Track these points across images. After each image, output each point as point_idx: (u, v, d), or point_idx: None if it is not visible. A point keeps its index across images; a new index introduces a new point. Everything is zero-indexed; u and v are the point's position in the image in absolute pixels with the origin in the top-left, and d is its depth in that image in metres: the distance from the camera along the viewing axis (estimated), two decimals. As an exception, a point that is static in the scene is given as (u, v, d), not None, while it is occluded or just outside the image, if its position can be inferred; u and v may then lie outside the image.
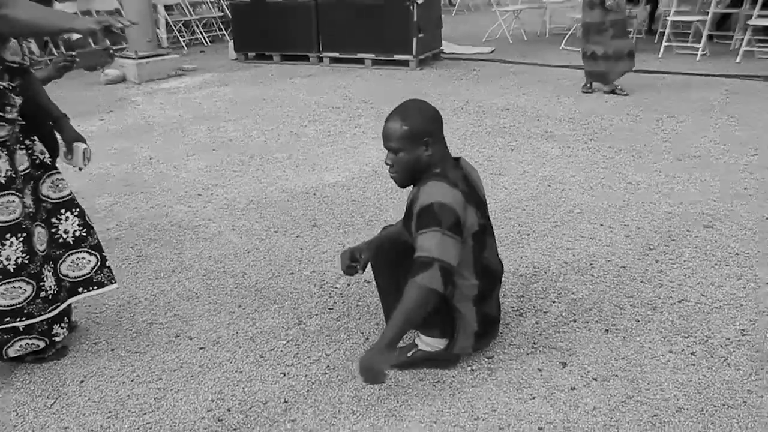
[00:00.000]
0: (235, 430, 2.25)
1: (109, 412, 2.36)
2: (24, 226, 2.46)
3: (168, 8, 10.70)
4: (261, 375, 2.53)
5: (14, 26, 2.30)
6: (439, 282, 2.20)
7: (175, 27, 10.47)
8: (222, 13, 11.34)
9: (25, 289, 2.47)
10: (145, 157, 5.28)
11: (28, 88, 2.60)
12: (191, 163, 5.08)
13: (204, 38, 10.81)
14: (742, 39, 8.10)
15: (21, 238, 2.44)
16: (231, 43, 9.37)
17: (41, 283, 2.52)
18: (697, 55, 8.20)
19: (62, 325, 2.65)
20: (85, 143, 2.77)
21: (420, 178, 2.39)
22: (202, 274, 3.36)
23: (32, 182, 2.58)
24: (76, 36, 3.09)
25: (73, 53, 2.92)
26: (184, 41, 10.45)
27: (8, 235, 2.41)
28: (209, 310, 3.02)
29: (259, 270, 3.38)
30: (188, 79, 8.12)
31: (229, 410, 2.35)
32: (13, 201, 2.42)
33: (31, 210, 2.54)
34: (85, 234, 2.69)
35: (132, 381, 2.53)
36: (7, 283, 2.44)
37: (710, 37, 8.71)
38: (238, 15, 9.06)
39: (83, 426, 2.30)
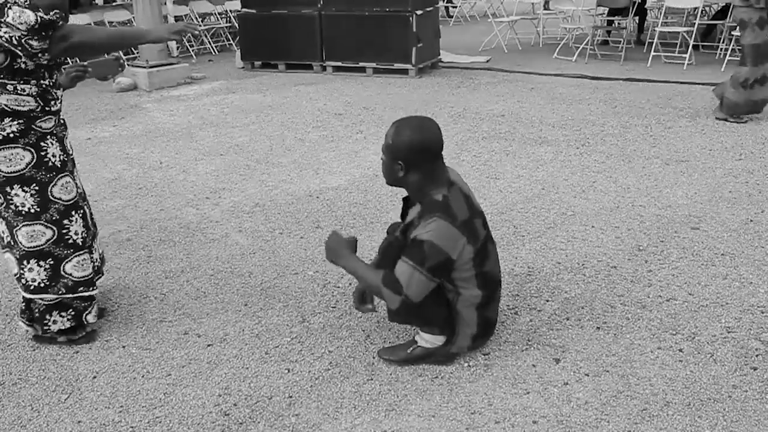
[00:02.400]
0: (241, 424, 2.29)
1: (121, 406, 2.41)
2: (80, 204, 2.78)
3: (178, 19, 10.74)
4: (266, 371, 2.58)
5: (86, 50, 2.69)
6: (394, 305, 2.38)
7: (185, 37, 10.56)
8: (229, 24, 11.43)
9: (89, 262, 2.79)
10: (155, 162, 5.32)
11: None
12: (200, 168, 5.13)
13: (212, 47, 10.89)
14: (727, 49, 8.21)
15: (80, 214, 2.76)
16: (238, 53, 9.42)
17: (92, 255, 2.86)
18: (684, 64, 8.29)
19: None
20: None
21: (419, 197, 2.44)
22: (210, 274, 3.40)
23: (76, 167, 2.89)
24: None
25: (85, 63, 2.92)
26: (193, 50, 10.54)
27: (73, 212, 2.72)
28: (217, 309, 3.07)
29: (264, 270, 3.43)
30: (197, 87, 8.16)
31: (235, 405, 2.39)
32: (70, 182, 2.71)
33: (82, 190, 2.84)
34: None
35: (142, 377, 2.57)
36: (78, 256, 2.72)
37: (696, 48, 8.80)
38: (245, 25, 9.14)
39: (95, 420, 2.34)
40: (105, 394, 2.48)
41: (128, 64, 8.24)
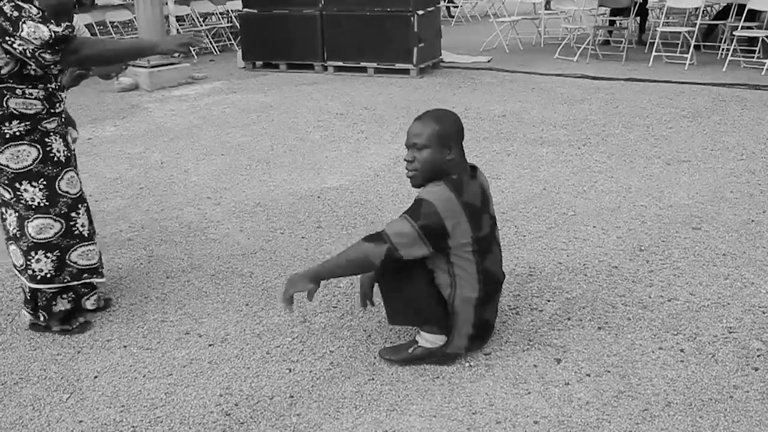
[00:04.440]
0: (242, 423, 2.29)
1: (122, 406, 2.41)
2: (84, 198, 2.89)
3: (179, 19, 10.82)
4: (267, 371, 2.58)
5: (96, 62, 2.83)
6: (379, 258, 2.35)
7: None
8: (231, 24, 11.45)
9: (96, 252, 2.90)
10: (156, 162, 5.33)
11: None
12: (201, 168, 5.14)
13: (214, 47, 10.90)
14: (728, 49, 8.22)
15: (85, 206, 2.87)
16: (239, 52, 9.43)
17: (97, 247, 2.95)
18: (685, 64, 8.29)
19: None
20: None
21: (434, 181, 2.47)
22: (211, 274, 3.41)
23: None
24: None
25: None
26: (194, 50, 10.57)
27: (79, 205, 2.83)
28: (218, 309, 3.07)
29: (265, 270, 3.44)
30: (198, 87, 8.17)
31: (236, 405, 2.39)
32: (74, 176, 2.80)
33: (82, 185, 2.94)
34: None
35: (144, 376, 2.58)
36: (84, 246, 2.82)
37: (697, 48, 8.80)
38: (246, 25, 9.15)
39: (97, 420, 2.34)
40: (106, 394, 2.49)
41: (130, 64, 8.25)
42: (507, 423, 2.26)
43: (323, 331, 2.85)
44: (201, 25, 10.96)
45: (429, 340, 2.56)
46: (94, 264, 2.89)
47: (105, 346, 2.80)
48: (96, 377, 2.59)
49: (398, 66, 8.31)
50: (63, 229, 2.77)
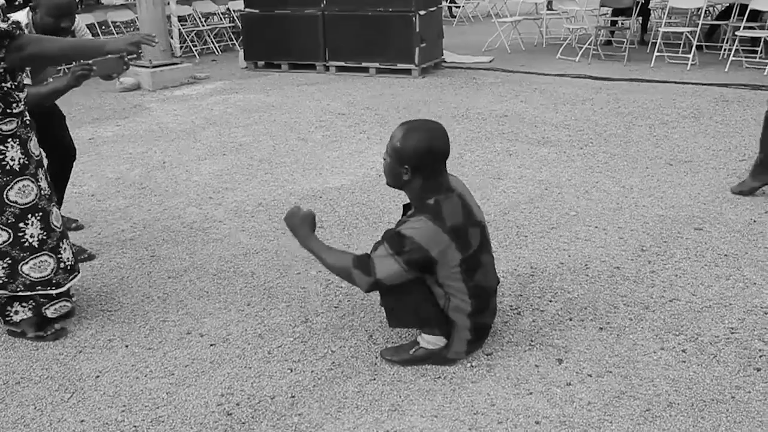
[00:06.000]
0: (243, 423, 2.30)
1: (124, 406, 2.42)
2: (40, 206, 2.76)
3: (181, 19, 10.83)
4: (269, 371, 2.59)
5: (43, 60, 2.74)
6: (365, 287, 2.42)
7: (188, 37, 10.61)
8: (233, 24, 11.47)
9: (49, 263, 2.79)
10: (158, 162, 5.33)
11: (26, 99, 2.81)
12: (203, 167, 5.14)
13: (215, 47, 10.92)
14: (730, 49, 8.21)
15: (38, 217, 2.75)
16: (241, 53, 9.44)
17: (59, 256, 2.83)
18: (687, 64, 8.28)
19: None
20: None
21: (413, 200, 2.45)
22: (213, 274, 3.41)
23: (43, 167, 2.84)
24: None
25: (90, 62, 2.95)
26: (196, 50, 10.58)
27: (29, 216, 2.72)
28: (219, 308, 3.08)
29: (267, 270, 3.44)
30: (200, 87, 8.18)
31: (238, 404, 2.40)
32: (29, 185, 2.70)
33: (47, 192, 2.81)
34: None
35: (145, 376, 2.58)
36: (35, 257, 2.73)
37: (700, 48, 8.79)
38: (248, 25, 9.16)
39: (98, 419, 2.35)
40: (108, 394, 2.49)
41: (132, 64, 8.26)
42: (508, 423, 2.26)
43: (325, 331, 2.85)
44: (203, 25, 10.98)
45: (430, 341, 2.57)
46: (46, 276, 2.78)
47: (107, 345, 2.81)
48: (98, 377, 2.59)
49: (400, 66, 8.32)
50: (11, 239, 2.69)
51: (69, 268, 2.87)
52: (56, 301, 2.88)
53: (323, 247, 2.53)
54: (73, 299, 3.03)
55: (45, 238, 2.76)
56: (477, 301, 2.48)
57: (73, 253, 2.93)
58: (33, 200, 2.73)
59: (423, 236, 2.34)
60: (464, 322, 2.50)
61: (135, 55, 2.87)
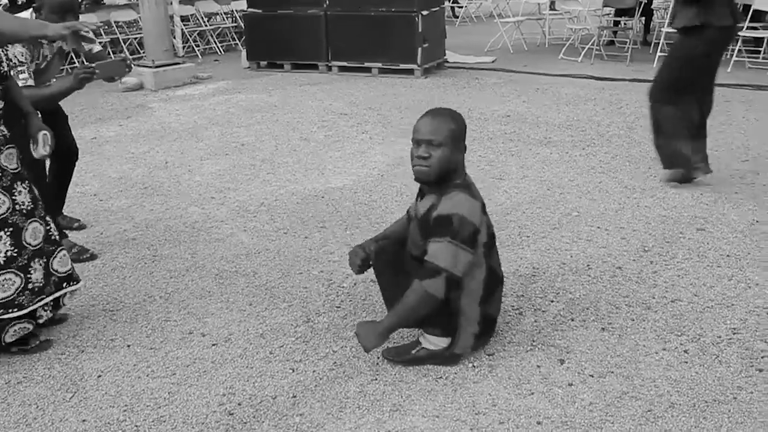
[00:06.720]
0: (245, 423, 2.30)
1: (125, 405, 2.42)
2: (11, 221, 2.60)
3: (184, 19, 10.85)
4: (270, 370, 2.59)
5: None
6: (441, 291, 2.36)
7: (191, 37, 10.63)
8: (235, 24, 11.48)
9: (14, 281, 2.61)
10: (161, 161, 5.34)
11: (7, 92, 2.72)
12: (205, 167, 5.15)
13: (218, 47, 10.93)
14: (733, 49, 8.17)
15: (8, 233, 2.59)
16: (244, 52, 9.45)
17: (29, 275, 2.66)
18: (689, 65, 8.28)
19: (45, 307, 2.75)
20: (47, 131, 2.84)
21: (442, 184, 2.46)
22: (215, 274, 3.42)
23: (27, 180, 2.70)
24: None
25: (93, 65, 2.94)
26: (198, 50, 10.59)
27: None
28: (221, 308, 3.08)
29: (269, 270, 3.44)
30: (202, 87, 8.18)
31: (239, 404, 2.40)
32: None
33: (25, 207, 2.66)
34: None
35: (147, 376, 2.58)
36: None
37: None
38: (250, 25, 9.17)
39: (100, 419, 2.34)
40: (110, 393, 2.49)
41: (134, 64, 8.28)
42: (510, 423, 2.26)
43: (326, 331, 2.85)
44: (206, 25, 11.00)
45: (433, 342, 2.57)
46: (8, 297, 2.59)
47: (109, 345, 2.81)
48: (99, 376, 2.60)
49: (402, 66, 8.32)
50: None
51: (37, 290, 2.68)
52: (16, 321, 2.65)
53: (393, 314, 2.46)
54: (47, 315, 2.80)
55: (15, 255, 2.60)
56: (488, 285, 2.52)
57: (49, 273, 2.74)
58: (2, 214, 2.57)
59: (464, 208, 2.40)
60: (474, 311, 2.51)
61: (74, 43, 2.66)
